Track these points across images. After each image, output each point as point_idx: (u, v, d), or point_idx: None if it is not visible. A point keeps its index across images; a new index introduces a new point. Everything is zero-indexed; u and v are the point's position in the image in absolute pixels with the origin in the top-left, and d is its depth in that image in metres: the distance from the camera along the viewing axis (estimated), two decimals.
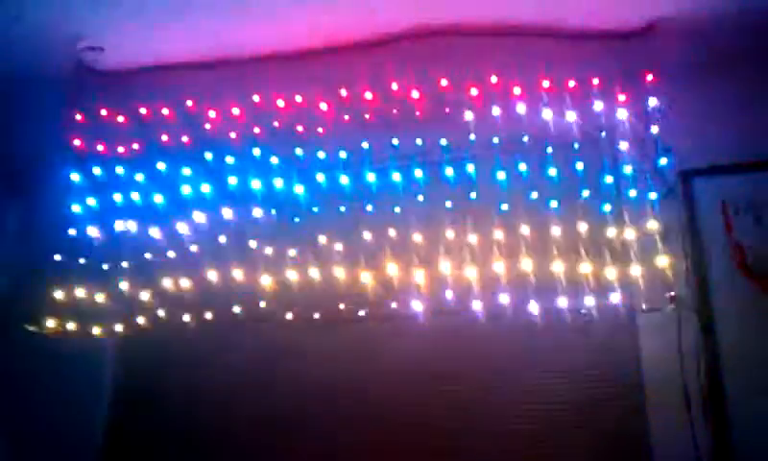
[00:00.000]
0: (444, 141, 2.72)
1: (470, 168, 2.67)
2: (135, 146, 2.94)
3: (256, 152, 2.85)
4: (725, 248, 2.54)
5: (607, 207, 2.55)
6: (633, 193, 2.56)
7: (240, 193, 2.79)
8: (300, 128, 2.85)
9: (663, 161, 2.55)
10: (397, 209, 2.68)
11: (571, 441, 2.49)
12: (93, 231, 2.82)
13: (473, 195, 2.64)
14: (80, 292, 2.72)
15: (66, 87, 3.01)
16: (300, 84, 2.87)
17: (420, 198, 2.69)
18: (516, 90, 2.69)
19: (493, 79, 2.72)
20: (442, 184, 2.68)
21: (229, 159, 2.86)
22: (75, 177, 2.91)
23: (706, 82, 2.70)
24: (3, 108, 3.12)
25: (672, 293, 2.41)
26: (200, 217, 2.77)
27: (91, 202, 2.88)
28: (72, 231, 2.83)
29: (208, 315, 2.69)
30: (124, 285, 2.74)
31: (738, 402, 2.38)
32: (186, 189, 2.83)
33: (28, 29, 2.79)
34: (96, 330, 2.72)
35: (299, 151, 2.83)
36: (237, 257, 2.70)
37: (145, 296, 2.72)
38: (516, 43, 2.78)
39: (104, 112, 2.98)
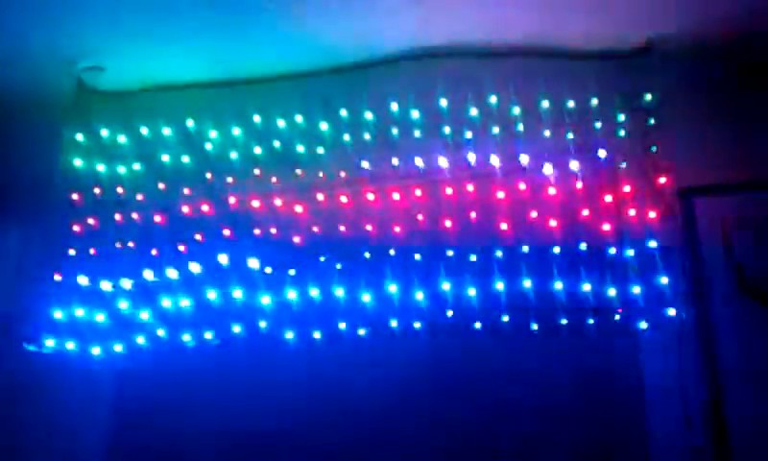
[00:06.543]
0: (443, 161, 2.73)
1: (470, 187, 2.68)
2: (136, 166, 2.95)
3: (257, 171, 2.86)
4: (725, 266, 2.54)
5: (606, 226, 2.56)
6: (632, 212, 2.56)
7: (240, 213, 2.80)
8: (300, 148, 2.86)
9: (663, 180, 2.56)
10: (397, 229, 2.68)
11: (571, 458, 2.49)
12: (93, 251, 2.82)
13: (473, 214, 2.65)
14: (79, 312, 2.72)
15: (66, 107, 3.02)
16: (301, 105, 2.89)
17: (420, 217, 2.70)
18: (516, 110, 2.71)
19: (493, 99, 2.74)
20: (442, 204, 2.69)
21: (230, 179, 2.87)
22: (75, 196, 2.92)
23: (705, 101, 2.72)
24: (2, 127, 3.13)
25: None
26: (199, 237, 2.78)
27: (91, 221, 2.88)
28: (72, 251, 2.84)
29: (208, 335, 2.69)
30: (123, 305, 2.73)
31: (739, 420, 2.37)
32: (186, 209, 2.83)
33: (28, 49, 2.81)
34: (95, 350, 2.72)
35: (299, 171, 2.83)
36: (237, 277, 2.71)
37: (145, 316, 2.72)
38: (515, 64, 2.79)
39: (104, 132, 2.99)
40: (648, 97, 2.63)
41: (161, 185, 2.91)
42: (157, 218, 2.86)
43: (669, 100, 2.64)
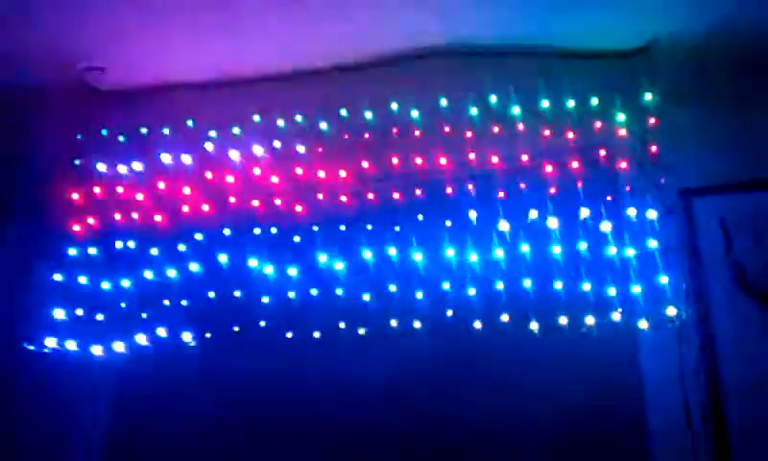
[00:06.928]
0: (443, 160, 2.73)
1: (470, 187, 2.68)
2: (136, 165, 2.95)
3: (257, 171, 2.86)
4: (724, 266, 2.53)
5: (606, 226, 2.56)
6: (632, 212, 2.56)
7: (240, 212, 2.79)
8: (300, 147, 2.86)
9: (663, 180, 2.56)
10: (397, 228, 2.69)
11: (570, 456, 2.49)
12: (93, 250, 2.83)
13: (473, 214, 2.65)
14: (79, 311, 2.72)
15: (67, 107, 3.02)
16: (301, 104, 2.88)
17: (420, 217, 2.70)
18: (515, 109, 2.71)
19: (493, 98, 2.74)
20: (441, 203, 2.69)
21: (229, 179, 2.87)
22: (75, 196, 2.92)
23: (705, 100, 2.71)
24: (4, 127, 3.13)
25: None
26: (199, 236, 2.78)
27: (91, 221, 2.89)
28: (72, 251, 2.84)
29: (208, 334, 2.68)
30: (124, 304, 2.73)
31: (739, 420, 2.37)
32: (186, 208, 2.83)
33: (28, 49, 2.81)
34: (96, 349, 2.72)
35: (299, 170, 2.83)
36: (237, 276, 2.71)
37: (144, 315, 2.71)
38: (515, 63, 2.79)
39: (104, 132, 2.99)
40: (648, 97, 2.63)
41: (161, 185, 2.90)
42: (158, 218, 2.85)
43: (669, 100, 2.64)
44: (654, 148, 2.60)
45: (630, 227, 2.54)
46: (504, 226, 2.58)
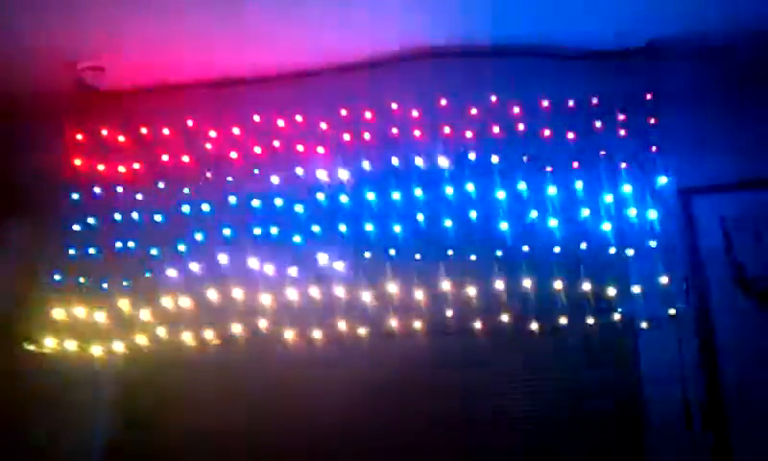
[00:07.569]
0: (443, 161, 2.73)
1: (470, 187, 2.68)
2: (136, 165, 2.95)
3: (257, 171, 2.86)
4: (724, 265, 2.54)
5: (606, 226, 2.56)
6: (632, 212, 2.56)
7: (240, 212, 2.80)
8: (300, 147, 2.86)
9: (663, 180, 2.57)
10: (397, 228, 2.68)
11: (569, 456, 2.49)
12: (93, 251, 2.82)
13: (473, 214, 2.65)
14: (79, 311, 2.72)
15: (67, 107, 3.02)
16: (301, 104, 2.89)
17: (420, 217, 2.70)
18: (516, 110, 2.71)
19: (493, 99, 2.74)
20: (441, 204, 2.69)
21: (230, 179, 2.87)
22: (75, 196, 2.92)
23: (705, 100, 2.72)
24: (4, 127, 3.13)
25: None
26: (200, 236, 2.78)
27: (91, 221, 2.89)
28: (72, 251, 2.83)
29: (208, 334, 2.68)
30: (124, 304, 2.73)
31: (738, 419, 2.37)
32: (186, 208, 2.84)
33: (28, 49, 2.80)
34: (95, 350, 2.71)
35: (299, 170, 2.83)
36: (237, 276, 2.71)
37: (145, 315, 2.71)
38: (516, 63, 2.79)
39: (104, 132, 2.99)
40: (648, 97, 2.63)
41: (161, 185, 2.90)
42: (158, 218, 2.85)
43: (669, 100, 2.64)
44: (654, 148, 2.60)
45: (630, 226, 2.54)
46: (504, 226, 2.59)
